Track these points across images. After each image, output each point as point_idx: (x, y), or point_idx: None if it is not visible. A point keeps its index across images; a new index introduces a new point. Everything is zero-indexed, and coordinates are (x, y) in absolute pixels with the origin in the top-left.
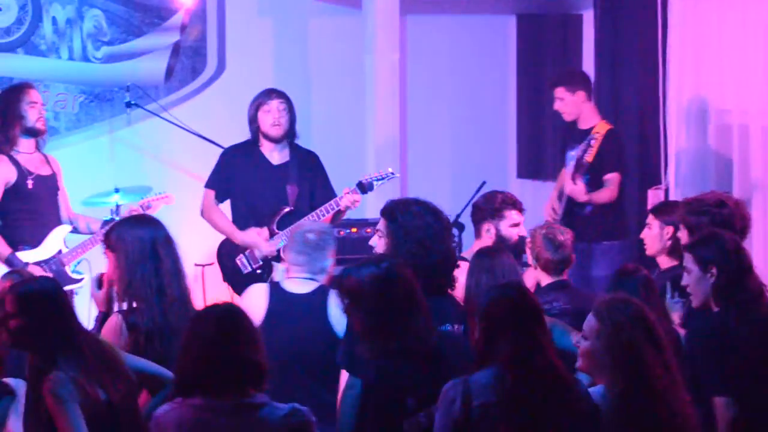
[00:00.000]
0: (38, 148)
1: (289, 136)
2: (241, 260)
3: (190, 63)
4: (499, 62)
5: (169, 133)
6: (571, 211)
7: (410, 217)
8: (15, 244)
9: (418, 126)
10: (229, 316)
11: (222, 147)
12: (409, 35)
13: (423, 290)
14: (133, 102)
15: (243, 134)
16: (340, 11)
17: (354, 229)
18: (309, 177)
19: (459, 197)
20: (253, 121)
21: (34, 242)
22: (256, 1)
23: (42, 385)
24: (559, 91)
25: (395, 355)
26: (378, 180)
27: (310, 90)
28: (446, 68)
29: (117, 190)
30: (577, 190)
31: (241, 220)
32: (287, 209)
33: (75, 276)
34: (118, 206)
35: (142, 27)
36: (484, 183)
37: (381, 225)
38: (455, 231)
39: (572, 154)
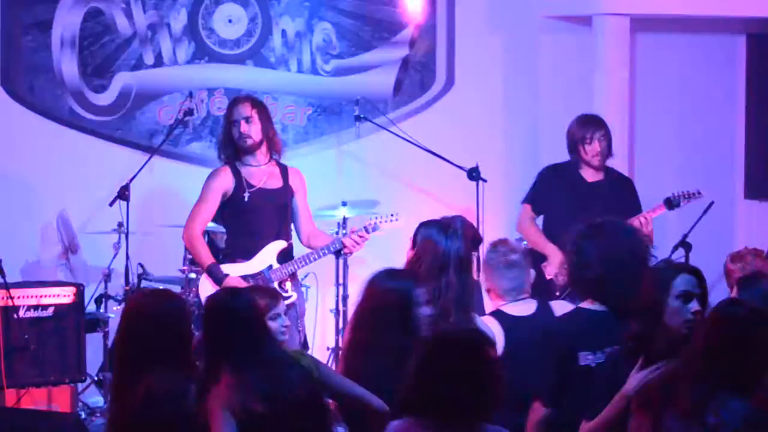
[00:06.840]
0: (275, 160)
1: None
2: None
3: (418, 77)
4: (728, 81)
5: (397, 147)
6: None
7: None
8: (232, 256)
9: (646, 144)
10: (476, 344)
11: (450, 162)
12: (639, 53)
13: None
14: (362, 116)
15: (470, 149)
16: (570, 28)
17: None
18: (620, 198)
19: (686, 217)
20: (572, 150)
21: (248, 255)
22: (485, 16)
23: (203, 397)
24: None
25: None
26: (685, 198)
27: (538, 106)
28: (675, 87)
29: (344, 204)
30: None
31: (554, 235)
32: None
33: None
34: (345, 219)
35: (371, 41)
36: (712, 203)
37: None
38: (682, 250)
39: None
